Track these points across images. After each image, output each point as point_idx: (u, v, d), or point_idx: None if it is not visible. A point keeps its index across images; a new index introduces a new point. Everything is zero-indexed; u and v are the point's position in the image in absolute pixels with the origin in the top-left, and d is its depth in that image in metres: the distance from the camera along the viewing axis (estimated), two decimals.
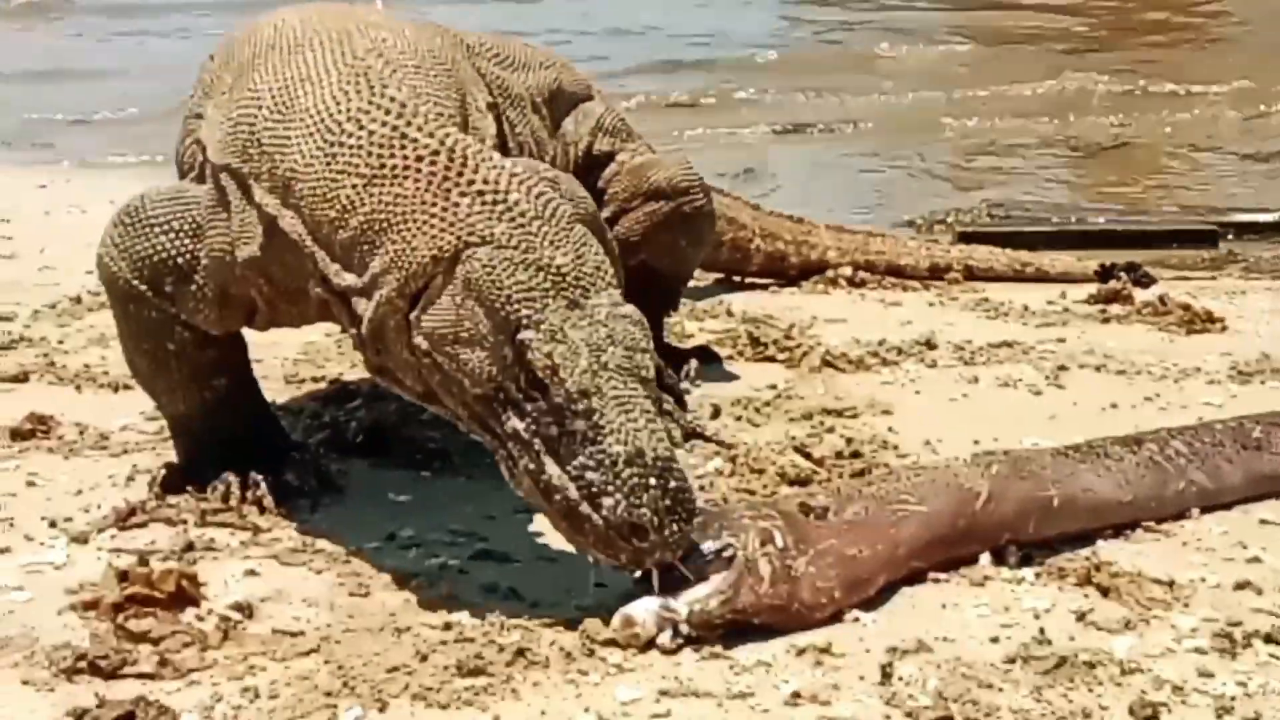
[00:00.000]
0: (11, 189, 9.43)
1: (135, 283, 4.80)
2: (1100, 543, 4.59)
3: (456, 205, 4.21)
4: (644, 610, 3.93)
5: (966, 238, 8.29)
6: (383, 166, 4.34)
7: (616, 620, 3.94)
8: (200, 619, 4.14)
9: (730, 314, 6.91)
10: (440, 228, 4.21)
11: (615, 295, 4.15)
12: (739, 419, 5.59)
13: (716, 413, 5.64)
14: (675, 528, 3.88)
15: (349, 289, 4.39)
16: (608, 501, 3.91)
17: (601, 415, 3.93)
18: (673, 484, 3.89)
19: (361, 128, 4.42)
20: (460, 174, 4.26)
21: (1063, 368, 6.18)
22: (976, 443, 5.27)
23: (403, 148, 4.35)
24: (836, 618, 4.09)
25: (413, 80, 4.60)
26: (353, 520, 4.77)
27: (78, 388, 5.97)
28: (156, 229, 4.79)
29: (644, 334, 4.11)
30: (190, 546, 4.56)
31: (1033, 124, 12.43)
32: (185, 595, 4.21)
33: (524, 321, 4.04)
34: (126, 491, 4.97)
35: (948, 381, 6.08)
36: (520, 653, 3.91)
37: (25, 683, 3.87)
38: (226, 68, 4.96)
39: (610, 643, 3.97)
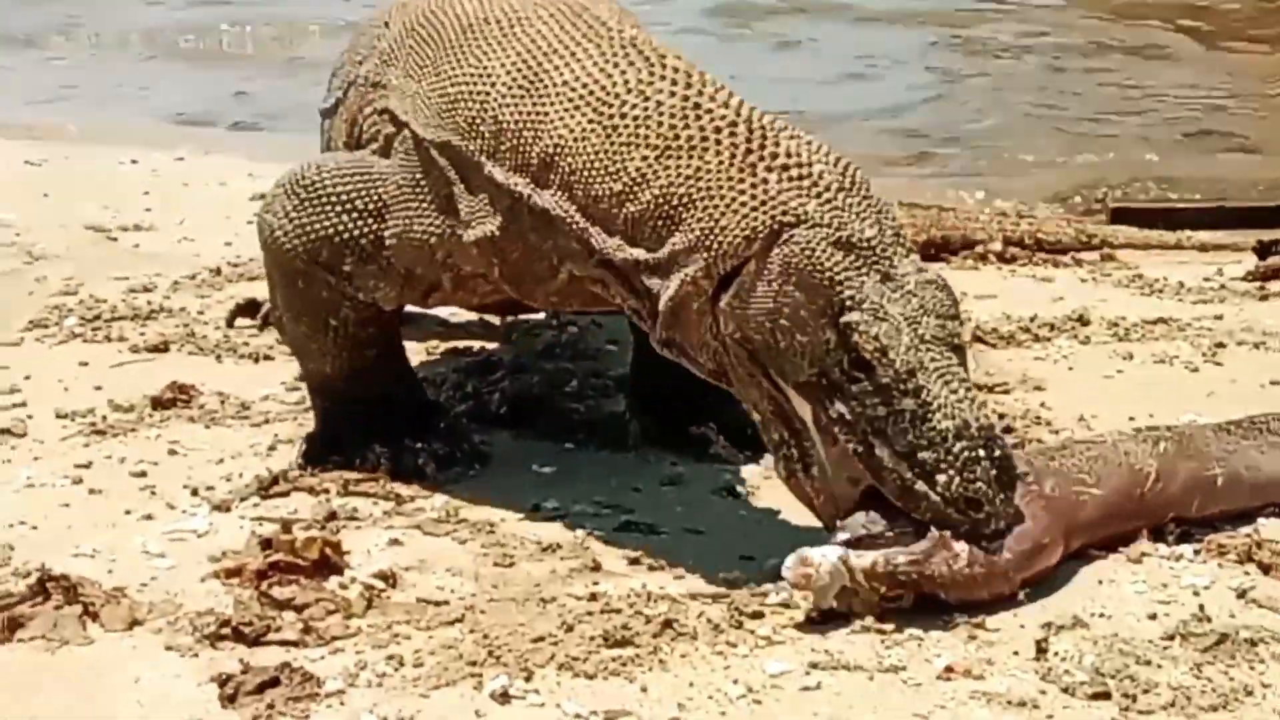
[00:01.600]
0: (152, 161, 9.44)
1: (309, 260, 4.71)
2: (1261, 520, 4.44)
3: (765, 182, 4.07)
4: (821, 555, 3.82)
5: (1119, 215, 8.08)
6: (676, 138, 4.20)
7: (791, 559, 3.81)
8: (344, 587, 4.11)
9: None
10: (751, 206, 4.06)
11: (916, 260, 4.04)
12: None
13: None
14: (1006, 496, 3.87)
15: (637, 263, 4.25)
16: (942, 479, 3.85)
17: (928, 392, 3.86)
18: (998, 453, 3.87)
19: (647, 99, 4.29)
20: (763, 146, 4.12)
21: (1220, 345, 6.01)
22: (1131, 419, 5.13)
23: (697, 119, 4.21)
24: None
25: (672, 50, 4.46)
26: (497, 491, 4.70)
27: (218, 358, 5.93)
28: (337, 207, 4.67)
29: (952, 299, 4.02)
30: (333, 515, 4.51)
31: None
32: (329, 563, 4.18)
33: (848, 303, 3.92)
34: (268, 461, 4.94)
35: (1101, 358, 5.93)
36: (667, 624, 3.84)
37: (169, 648, 3.85)
38: (415, 37, 4.80)
39: (757, 615, 3.90)
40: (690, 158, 4.16)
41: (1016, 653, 3.78)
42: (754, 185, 4.07)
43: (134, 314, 6.38)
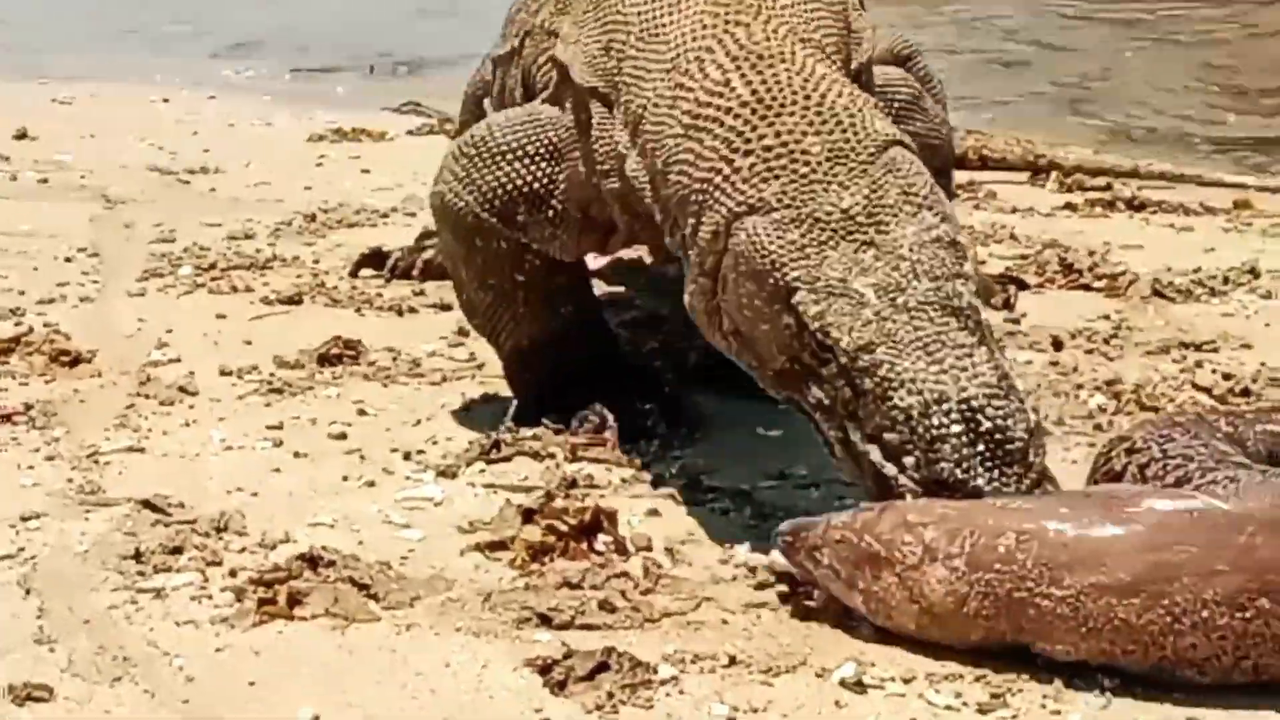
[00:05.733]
0: (182, 100, 9.07)
1: (483, 214, 4.43)
2: None
3: (738, 170, 3.80)
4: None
5: None
6: (697, 119, 3.91)
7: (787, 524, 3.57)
8: (624, 561, 3.77)
9: (1015, 238, 6.50)
10: (717, 199, 3.82)
11: (929, 217, 3.72)
12: (1089, 352, 5.19)
13: (1059, 345, 5.24)
14: (992, 471, 3.45)
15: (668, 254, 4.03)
16: (909, 460, 3.50)
17: (890, 368, 3.53)
18: (986, 424, 3.46)
19: (702, 69, 3.98)
20: (758, 127, 3.83)
21: None
22: None
23: (721, 95, 3.91)
24: None
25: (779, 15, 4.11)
26: (732, 457, 4.40)
27: (358, 311, 5.63)
28: (509, 156, 4.41)
29: (956, 256, 3.69)
30: (573, 483, 4.19)
31: None
32: (598, 536, 3.84)
33: (794, 284, 3.66)
34: (467, 422, 4.62)
35: None
36: None
37: (461, 629, 3.51)
38: None
39: None
40: (696, 142, 3.90)
41: None
42: (726, 176, 3.82)
43: (250, 263, 6.08)
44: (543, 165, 4.39)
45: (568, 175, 4.38)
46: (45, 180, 7.33)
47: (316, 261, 6.15)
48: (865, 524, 3.41)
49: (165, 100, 8.98)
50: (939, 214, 3.76)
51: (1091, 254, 6.12)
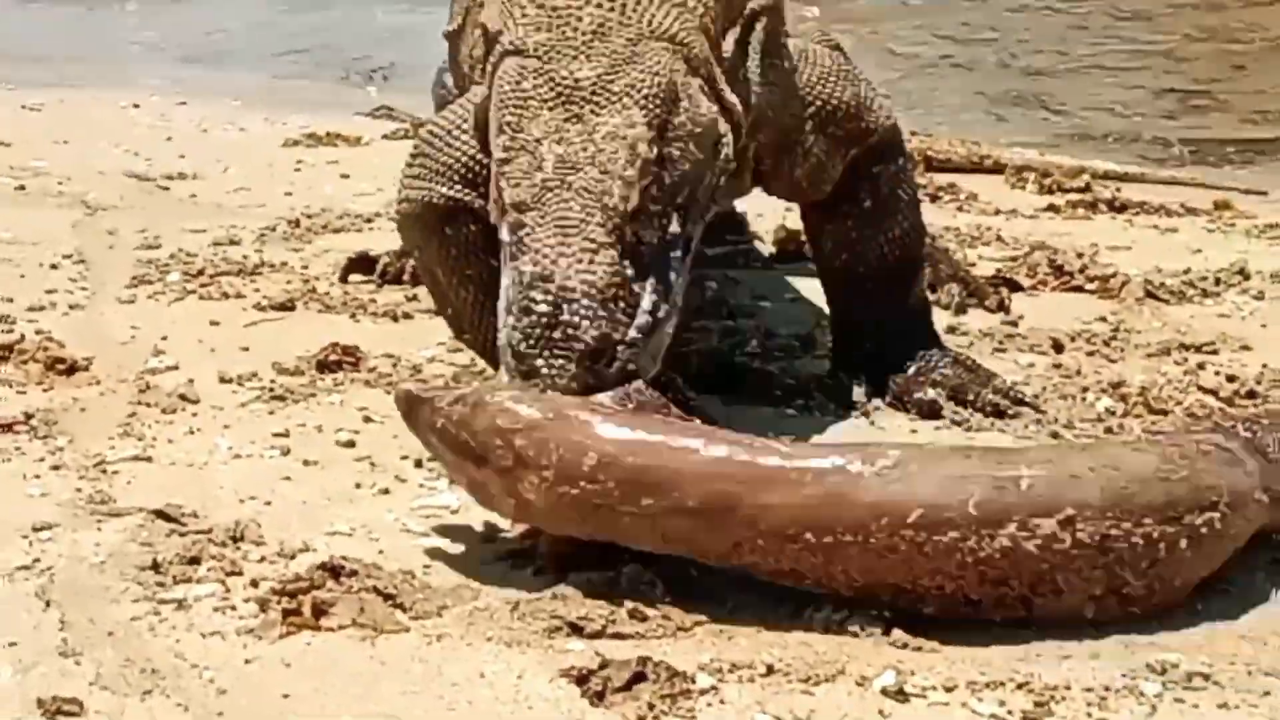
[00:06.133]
0: (153, 106, 9.00)
1: (448, 190, 4.43)
2: None
3: (525, 14, 4.05)
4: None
5: None
6: None
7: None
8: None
9: (1003, 240, 6.50)
10: (503, 38, 4.08)
11: (636, 115, 3.84)
12: (1091, 354, 5.18)
13: (1059, 347, 5.24)
14: (551, 361, 3.63)
15: None
16: (510, 319, 3.69)
17: (529, 232, 3.72)
18: (566, 315, 3.64)
19: None
20: None
21: None
22: None
23: None
24: None
25: None
26: None
27: (353, 316, 5.56)
28: (459, 132, 4.42)
29: (631, 159, 3.78)
30: None
31: None
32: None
33: (504, 127, 3.89)
34: None
35: None
36: None
37: (492, 639, 3.48)
38: None
39: None
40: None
41: None
42: (514, 19, 4.07)
43: (238, 269, 6.01)
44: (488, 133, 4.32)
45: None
46: (23, 188, 7.25)
47: (305, 267, 6.10)
48: (461, 420, 3.59)
49: (136, 106, 8.90)
50: (648, 117, 3.86)
51: (1080, 255, 6.12)
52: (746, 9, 4.41)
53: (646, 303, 3.73)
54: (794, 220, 6.43)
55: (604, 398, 3.59)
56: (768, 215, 6.34)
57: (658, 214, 3.82)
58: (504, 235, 3.83)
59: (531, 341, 3.62)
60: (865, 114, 4.71)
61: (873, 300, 4.81)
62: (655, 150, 3.83)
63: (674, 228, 3.85)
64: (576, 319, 3.62)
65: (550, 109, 3.83)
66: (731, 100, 4.15)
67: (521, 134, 3.83)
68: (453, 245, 4.49)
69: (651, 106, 3.86)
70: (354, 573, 3.64)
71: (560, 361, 3.61)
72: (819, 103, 4.63)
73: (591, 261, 3.67)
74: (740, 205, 6.46)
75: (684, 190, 3.89)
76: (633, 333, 3.68)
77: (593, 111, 3.81)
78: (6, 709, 3.20)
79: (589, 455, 3.46)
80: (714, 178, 4.05)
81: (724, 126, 4.09)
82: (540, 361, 3.61)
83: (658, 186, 3.82)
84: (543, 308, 3.62)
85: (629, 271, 3.72)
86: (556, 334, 3.61)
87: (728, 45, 4.32)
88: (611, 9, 3.99)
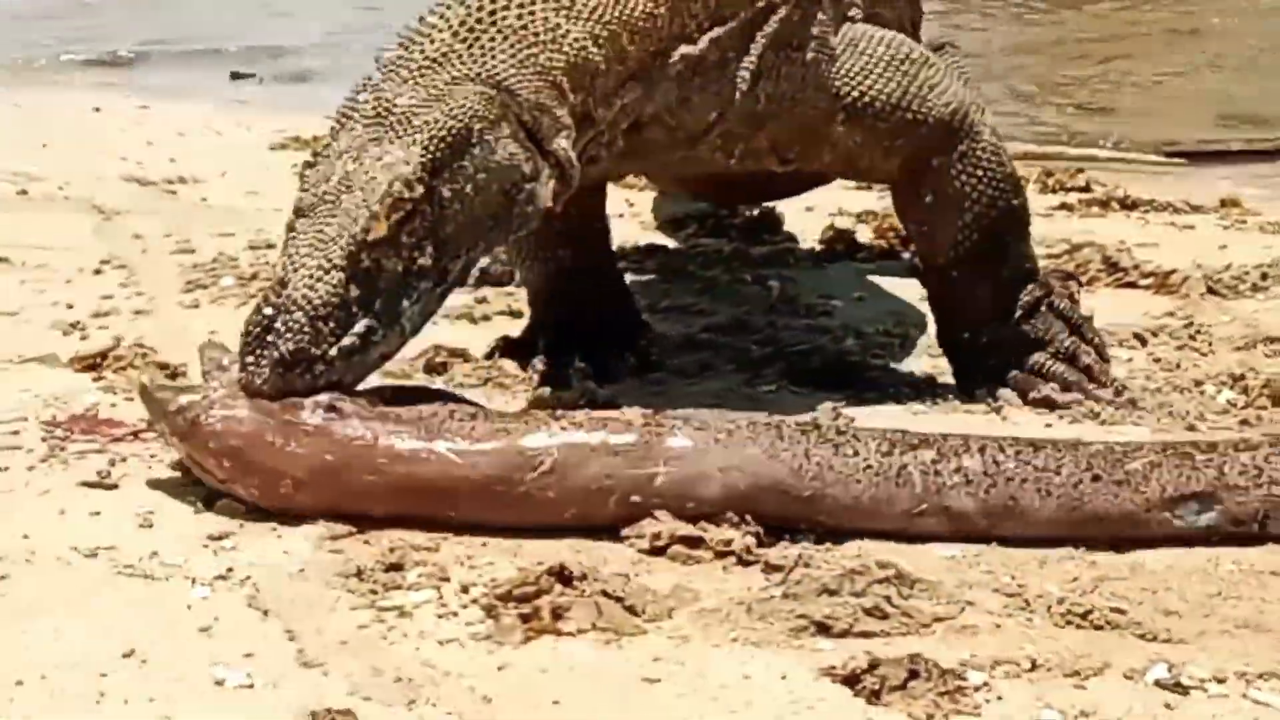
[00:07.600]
0: (113, 106, 8.84)
1: None
2: None
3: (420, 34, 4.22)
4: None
5: None
6: None
7: None
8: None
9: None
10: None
11: (414, 153, 3.95)
12: (1180, 348, 5.22)
13: (1143, 341, 5.28)
14: (255, 361, 3.86)
15: None
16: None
17: (294, 239, 3.93)
18: (279, 324, 3.85)
19: None
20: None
21: None
22: None
23: None
24: None
25: None
26: None
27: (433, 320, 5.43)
28: None
29: (388, 193, 3.90)
30: None
31: None
32: None
33: (333, 129, 4.09)
34: None
35: None
36: None
37: (734, 640, 3.45)
38: None
39: None
40: None
41: None
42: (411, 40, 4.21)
43: None
44: None
45: None
46: (24, 192, 7.09)
47: None
48: (178, 434, 3.93)
49: (97, 110, 8.73)
50: (424, 157, 3.97)
51: (1120, 253, 6.16)
52: (751, 6, 4.47)
53: (360, 326, 3.89)
54: (842, 220, 6.49)
55: (305, 402, 3.83)
56: (818, 212, 6.32)
57: (410, 246, 3.95)
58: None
59: (249, 338, 3.87)
60: (912, 106, 4.67)
61: (958, 289, 4.83)
62: (421, 189, 3.95)
63: (424, 260, 3.97)
64: (284, 329, 3.84)
65: (364, 126, 4.00)
66: (558, 147, 4.19)
67: (333, 143, 4.02)
68: None
69: (433, 147, 3.98)
70: (583, 576, 3.59)
71: (262, 364, 3.84)
72: (855, 95, 4.61)
73: (319, 280, 3.86)
74: (780, 205, 6.49)
75: (448, 227, 3.99)
76: (333, 351, 3.85)
77: (390, 139, 3.97)
78: None
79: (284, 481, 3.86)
80: (507, 219, 4.14)
81: (535, 170, 4.15)
82: (250, 359, 3.85)
83: (420, 221, 3.95)
84: (267, 310, 3.86)
85: (353, 294, 3.88)
86: (268, 337, 3.84)
87: (701, 46, 4.37)
88: (457, 43, 4.12)
